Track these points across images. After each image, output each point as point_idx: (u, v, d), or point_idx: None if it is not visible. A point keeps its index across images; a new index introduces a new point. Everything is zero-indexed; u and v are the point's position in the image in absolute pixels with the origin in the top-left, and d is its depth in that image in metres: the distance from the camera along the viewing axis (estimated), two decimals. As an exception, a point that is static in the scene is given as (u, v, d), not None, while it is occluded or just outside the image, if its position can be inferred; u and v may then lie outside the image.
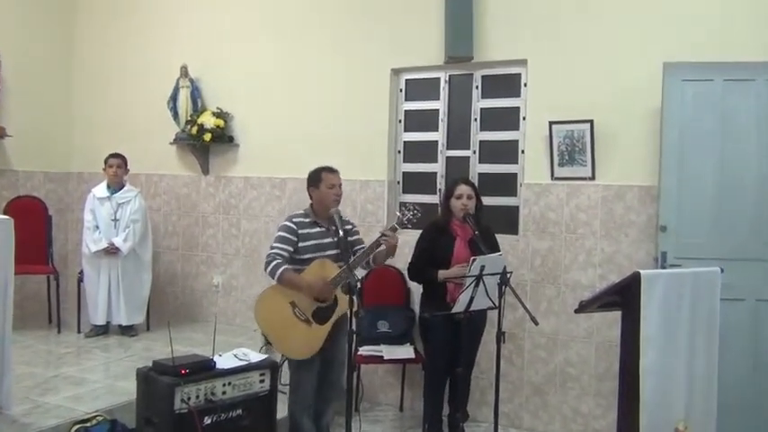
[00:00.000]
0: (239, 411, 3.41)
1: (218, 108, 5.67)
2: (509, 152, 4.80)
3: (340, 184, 3.86)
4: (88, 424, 3.45)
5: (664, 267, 3.88)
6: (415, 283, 4.44)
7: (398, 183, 5.18)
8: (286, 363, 3.94)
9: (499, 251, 3.98)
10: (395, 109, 5.14)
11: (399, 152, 5.17)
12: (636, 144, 4.26)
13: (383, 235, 3.69)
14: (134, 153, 5.61)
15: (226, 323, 5.66)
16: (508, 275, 3.59)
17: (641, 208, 4.28)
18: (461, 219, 4.03)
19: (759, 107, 3.84)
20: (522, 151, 4.71)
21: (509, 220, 4.75)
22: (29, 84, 6.00)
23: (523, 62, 4.65)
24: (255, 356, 3.60)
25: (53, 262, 5.66)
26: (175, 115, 5.80)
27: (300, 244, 3.73)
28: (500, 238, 4.39)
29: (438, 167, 5.04)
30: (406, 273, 4.44)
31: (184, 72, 5.74)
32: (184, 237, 5.95)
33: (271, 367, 3.59)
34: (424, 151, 5.10)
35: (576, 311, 3.45)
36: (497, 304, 3.59)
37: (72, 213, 6.39)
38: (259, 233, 5.54)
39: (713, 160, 3.90)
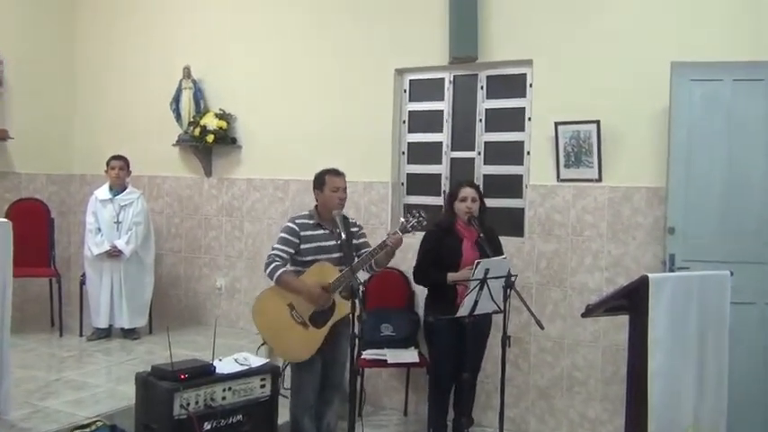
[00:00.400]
0: (239, 417, 3.36)
1: (220, 109, 5.64)
2: (514, 153, 4.75)
3: (344, 188, 3.81)
4: (87, 429, 3.40)
5: (672, 270, 3.81)
6: (420, 286, 4.38)
7: (402, 184, 5.12)
8: (288, 366, 3.89)
9: (503, 254, 3.93)
10: (399, 110, 5.09)
11: (403, 153, 5.12)
12: (643, 145, 4.20)
13: (387, 238, 3.64)
14: (136, 155, 5.58)
15: (228, 326, 5.62)
16: (513, 279, 3.54)
17: (648, 210, 4.21)
18: (466, 221, 3.97)
19: (768, 109, 3.78)
20: (528, 152, 4.65)
21: (514, 222, 4.69)
22: (31, 86, 5.98)
23: (529, 62, 4.59)
24: (256, 361, 3.56)
25: (55, 265, 5.62)
26: (178, 117, 5.76)
27: (302, 246, 3.71)
28: (505, 240, 4.34)
29: (442, 169, 4.98)
30: (410, 276, 4.38)
31: (187, 73, 5.71)
32: (187, 239, 5.92)
33: (272, 372, 3.54)
34: (428, 152, 5.05)
35: (583, 315, 3.40)
36: (502, 308, 3.54)
37: (74, 216, 6.36)
38: (262, 235, 5.50)
39: (722, 161, 3.83)
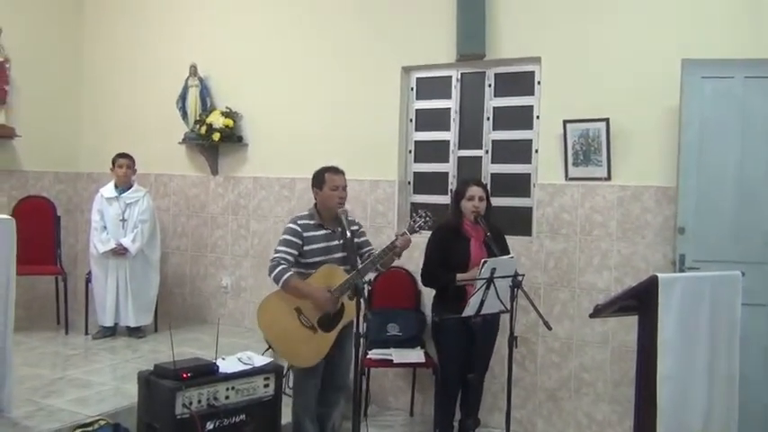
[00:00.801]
0: (242, 417, 3.33)
1: (227, 107, 5.62)
2: (522, 152, 4.70)
3: (344, 186, 3.75)
4: (90, 428, 3.38)
5: (682, 270, 3.76)
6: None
7: (409, 183, 5.08)
8: (292, 367, 3.85)
9: (510, 253, 3.88)
10: (406, 108, 5.05)
11: (410, 152, 5.08)
12: (653, 143, 4.13)
13: (396, 239, 3.59)
14: (143, 153, 5.57)
15: (234, 325, 5.60)
16: (520, 278, 3.49)
17: (658, 209, 4.15)
18: (473, 220, 3.93)
19: (781, 105, 3.71)
20: (536, 151, 4.60)
21: (522, 222, 4.64)
22: (38, 84, 5.98)
23: (537, 60, 4.54)
24: (260, 360, 3.53)
25: (61, 263, 5.62)
26: (184, 115, 5.75)
27: (306, 247, 3.64)
28: (513, 239, 4.29)
29: (450, 167, 4.94)
30: (417, 276, 4.34)
31: (194, 71, 5.69)
32: (193, 237, 5.90)
33: (275, 371, 3.51)
34: (435, 151, 5.00)
35: (592, 316, 3.34)
36: (509, 308, 3.50)
37: (81, 214, 6.36)
38: (268, 234, 5.47)
39: (734, 160, 3.77)
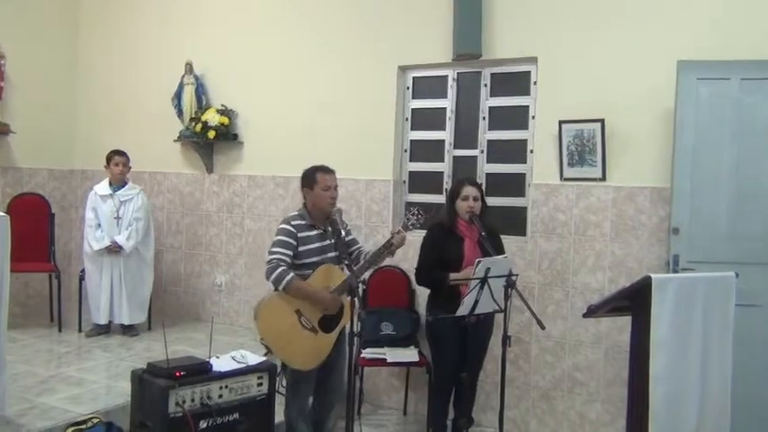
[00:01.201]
0: (236, 415, 3.31)
1: (222, 105, 5.61)
2: (517, 152, 4.70)
3: (336, 186, 3.72)
4: (83, 426, 3.38)
5: (676, 271, 3.77)
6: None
7: (404, 182, 5.08)
8: (285, 369, 3.82)
9: (504, 253, 3.88)
10: (402, 107, 5.05)
11: (406, 151, 5.08)
12: (648, 144, 4.14)
13: (392, 237, 3.59)
14: (138, 150, 5.56)
15: (228, 323, 5.60)
16: (514, 278, 3.49)
17: (653, 210, 4.16)
18: (467, 220, 3.93)
19: (777, 107, 3.72)
20: (531, 151, 4.60)
21: (517, 221, 4.65)
22: (33, 81, 5.97)
23: (533, 60, 4.54)
24: (254, 359, 3.51)
25: (55, 260, 5.61)
26: (180, 112, 5.74)
27: (301, 248, 3.61)
28: (507, 239, 4.29)
29: (445, 167, 4.94)
30: (412, 275, 4.34)
31: (189, 69, 5.68)
32: (188, 235, 5.89)
33: (269, 370, 3.50)
34: (430, 150, 5.00)
35: (585, 316, 3.34)
36: (503, 307, 3.50)
37: (75, 211, 6.35)
38: (263, 232, 5.46)
39: (728, 161, 3.78)
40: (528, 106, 4.65)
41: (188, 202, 5.89)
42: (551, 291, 4.45)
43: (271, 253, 3.58)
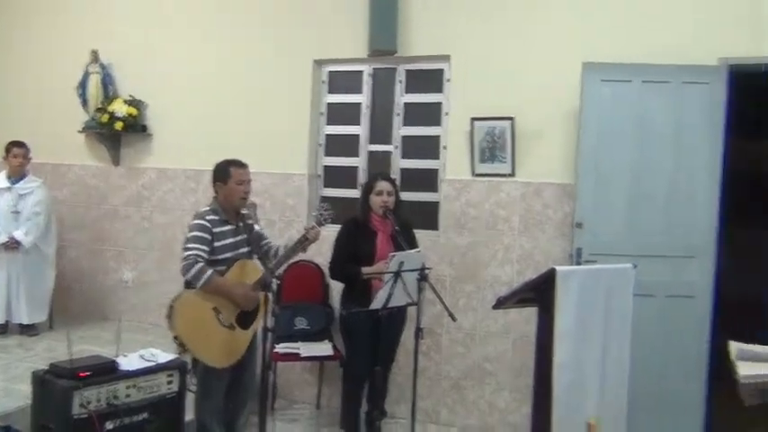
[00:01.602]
0: (145, 415, 3.23)
1: (130, 96, 5.42)
2: (431, 148, 4.78)
3: (249, 180, 3.67)
4: (-22, 430, 3.20)
5: (579, 263, 3.93)
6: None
7: (319, 176, 5.07)
8: (196, 367, 3.70)
9: (418, 247, 3.95)
10: (317, 101, 5.03)
11: (321, 145, 5.06)
12: (555, 142, 4.30)
13: (307, 232, 3.59)
14: (39, 141, 5.30)
15: (137, 321, 5.42)
16: (427, 272, 3.56)
17: (558, 205, 4.33)
18: (381, 215, 3.97)
19: (674, 109, 3.93)
20: (444, 147, 4.69)
21: (430, 216, 4.73)
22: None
23: (446, 58, 4.63)
24: (163, 357, 3.42)
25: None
26: (84, 102, 5.52)
27: (216, 243, 3.52)
28: (421, 233, 4.36)
29: (360, 162, 4.96)
30: (326, 270, 4.35)
31: (94, 57, 5.47)
32: (92, 230, 5.66)
33: (179, 368, 3.42)
34: (346, 145, 5.01)
35: (494, 307, 3.44)
36: (416, 300, 3.56)
37: (-31, 204, 5.96)
38: (174, 227, 5.32)
39: (628, 160, 3.97)
40: (441, 103, 4.74)
41: (93, 196, 5.66)
42: (463, 284, 4.56)
43: (187, 249, 3.47)
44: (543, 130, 4.33)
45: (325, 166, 5.08)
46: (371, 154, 4.95)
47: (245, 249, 3.64)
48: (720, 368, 2.41)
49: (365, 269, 3.88)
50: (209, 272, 3.41)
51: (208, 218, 3.55)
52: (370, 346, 3.96)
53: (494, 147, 4.43)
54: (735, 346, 2.43)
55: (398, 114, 4.87)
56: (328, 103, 5.06)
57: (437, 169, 4.75)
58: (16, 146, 5.00)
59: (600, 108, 3.98)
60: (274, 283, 3.53)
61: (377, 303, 3.53)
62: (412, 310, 3.74)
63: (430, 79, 4.78)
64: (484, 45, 4.48)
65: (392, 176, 4.35)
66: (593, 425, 3.20)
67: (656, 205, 3.97)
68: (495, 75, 4.44)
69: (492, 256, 4.49)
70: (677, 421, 3.93)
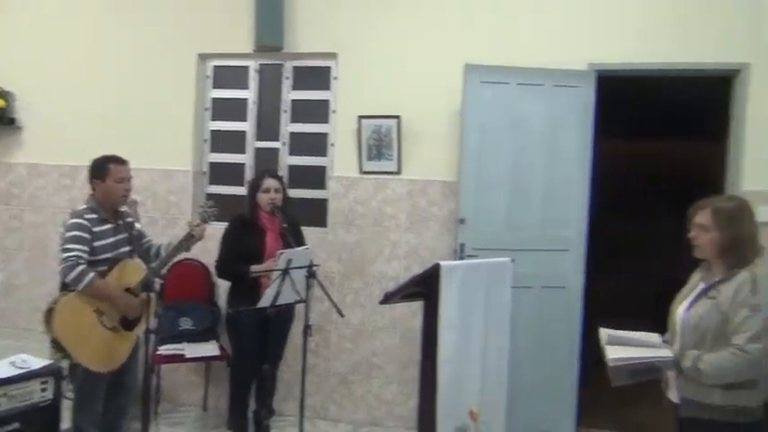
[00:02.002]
0: (16, 425, 3.02)
1: (-3, 86, 5.07)
2: (319, 145, 4.79)
3: (130, 178, 3.54)
4: None
5: (462, 258, 4.08)
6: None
7: (205, 173, 4.96)
8: (74, 372, 3.54)
9: (305, 245, 3.96)
10: (202, 96, 4.91)
11: (206, 141, 4.95)
12: (440, 141, 4.42)
13: (192, 230, 3.50)
14: None
15: (7, 326, 5.07)
16: (315, 269, 3.58)
17: (443, 202, 4.46)
18: (269, 212, 3.95)
19: (547, 111, 4.16)
20: (332, 144, 4.72)
21: (318, 213, 4.74)
22: None
23: (334, 56, 4.66)
24: (36, 363, 3.23)
25: None
26: (-57, 92, 5.09)
27: (96, 243, 3.37)
28: (309, 230, 4.38)
29: (247, 158, 4.90)
30: (212, 269, 4.27)
31: (-45, 43, 5.05)
32: (-46, 230, 5.25)
33: (54, 374, 3.24)
34: (232, 141, 4.93)
35: (381, 302, 3.52)
36: (304, 297, 3.57)
37: None
38: (46, 226, 5.03)
39: (507, 159, 4.16)
40: (329, 101, 4.76)
41: (-46, 193, 5.25)
42: (351, 280, 4.61)
43: (66, 250, 3.30)
44: (428, 129, 4.45)
45: (211, 163, 4.97)
46: (258, 151, 4.90)
47: (125, 249, 3.51)
48: (592, 353, 2.59)
49: (254, 267, 3.85)
50: (91, 275, 3.28)
51: (86, 217, 3.39)
52: (257, 345, 3.94)
53: (380, 145, 4.51)
54: (604, 332, 2.61)
55: (286, 111, 4.84)
56: (213, 99, 4.96)
57: (325, 166, 4.78)
58: None
59: (480, 109, 4.14)
60: (157, 283, 3.44)
61: (265, 301, 3.51)
62: (300, 308, 3.76)
63: (317, 77, 4.79)
64: (371, 44, 4.55)
65: (280, 173, 4.34)
66: (475, 412, 3.34)
67: (532, 202, 4.18)
68: (382, 74, 4.52)
69: (379, 253, 4.57)
70: (553, 403, 4.18)
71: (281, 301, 3.54)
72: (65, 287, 3.34)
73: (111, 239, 3.45)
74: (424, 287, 3.36)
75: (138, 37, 4.88)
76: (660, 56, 4.13)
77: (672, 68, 4.17)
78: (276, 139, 4.86)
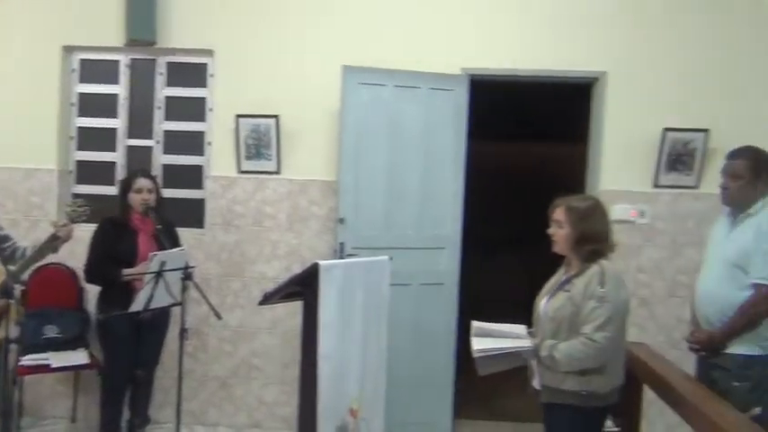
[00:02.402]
0: None
1: None
2: (195, 144, 4.67)
3: None
4: None
5: (342, 257, 4.12)
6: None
7: (71, 172, 4.70)
8: None
9: (181, 246, 3.86)
10: (67, 90, 4.65)
11: (72, 138, 4.70)
12: (319, 141, 4.44)
13: (58, 230, 3.32)
14: None
15: None
16: (191, 270, 3.50)
17: (323, 201, 4.48)
18: (142, 213, 3.81)
19: (423, 113, 4.27)
20: (209, 143, 4.62)
21: (194, 214, 4.63)
22: None
23: (210, 53, 4.56)
24: None
25: None
26: None
27: None
28: (185, 231, 4.27)
29: (118, 157, 4.69)
30: (80, 273, 4.06)
31: None
32: None
33: None
34: (101, 139, 4.70)
35: (261, 303, 3.49)
36: (180, 300, 3.48)
37: None
38: None
39: (385, 159, 4.24)
40: (205, 98, 4.65)
41: None
42: (229, 281, 4.53)
43: None
44: (308, 128, 4.46)
45: (78, 161, 4.72)
46: (130, 149, 4.70)
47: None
48: (467, 347, 2.71)
49: (126, 271, 3.71)
50: None
51: None
52: (130, 351, 3.81)
53: (259, 144, 4.47)
54: (474, 325, 2.74)
55: (160, 108, 4.68)
56: (80, 94, 4.71)
57: (202, 166, 4.66)
58: None
59: (359, 109, 4.19)
60: (17, 289, 3.24)
61: (137, 305, 3.40)
62: (176, 311, 3.66)
63: (193, 73, 4.67)
64: (249, 42, 4.49)
65: (153, 173, 4.20)
66: (354, 410, 3.39)
67: (409, 201, 4.29)
68: (260, 72, 4.47)
69: (259, 253, 4.52)
70: (430, 397, 4.31)
71: (154, 304, 3.44)
72: None
73: None
74: (304, 287, 3.36)
75: (-5, 26, 4.56)
76: (529, 63, 4.36)
77: (540, 75, 4.41)
78: (149, 136, 4.69)
